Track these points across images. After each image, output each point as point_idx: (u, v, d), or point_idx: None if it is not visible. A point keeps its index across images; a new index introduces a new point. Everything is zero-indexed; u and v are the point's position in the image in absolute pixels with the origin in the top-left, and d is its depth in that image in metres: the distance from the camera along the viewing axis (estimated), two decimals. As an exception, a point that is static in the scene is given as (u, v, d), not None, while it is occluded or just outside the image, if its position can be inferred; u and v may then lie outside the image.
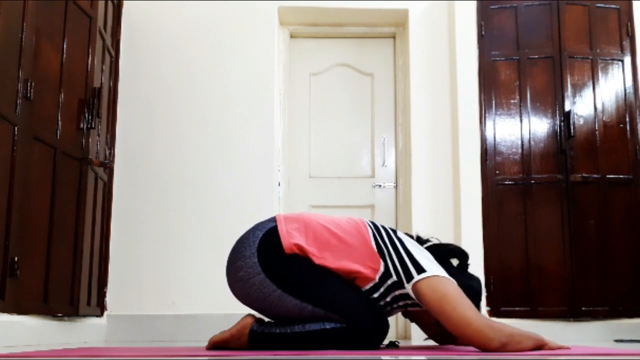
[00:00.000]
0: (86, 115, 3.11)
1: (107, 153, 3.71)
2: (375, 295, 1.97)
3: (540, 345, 1.80)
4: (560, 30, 3.98)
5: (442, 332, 2.13)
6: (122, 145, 3.91)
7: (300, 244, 1.94)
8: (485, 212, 3.84)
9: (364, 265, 1.94)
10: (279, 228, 1.98)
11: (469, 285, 2.03)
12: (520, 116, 3.94)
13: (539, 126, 3.92)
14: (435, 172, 4.01)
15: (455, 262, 2.14)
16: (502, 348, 1.73)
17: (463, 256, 2.14)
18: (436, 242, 2.14)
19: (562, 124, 3.88)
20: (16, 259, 2.44)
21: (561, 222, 3.79)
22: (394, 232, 2.03)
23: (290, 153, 4.26)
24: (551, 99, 3.93)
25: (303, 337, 1.90)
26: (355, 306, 1.93)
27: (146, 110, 3.98)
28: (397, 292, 1.95)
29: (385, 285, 1.95)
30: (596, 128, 3.90)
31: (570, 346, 2.08)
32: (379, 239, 1.98)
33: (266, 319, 2.04)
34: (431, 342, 2.28)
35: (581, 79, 3.95)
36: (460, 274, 2.04)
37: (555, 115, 3.91)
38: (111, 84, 3.79)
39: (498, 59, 4.00)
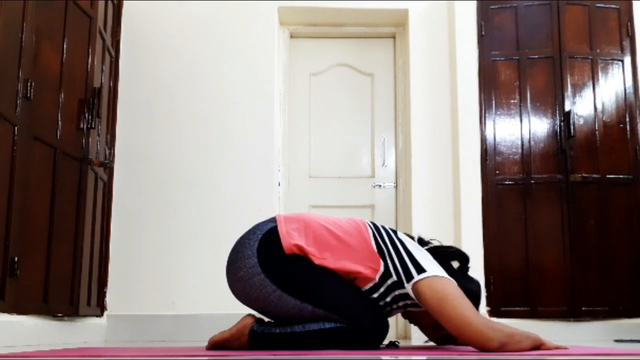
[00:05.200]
0: (86, 115, 3.11)
1: (107, 153, 3.71)
2: (375, 295, 1.97)
3: (538, 345, 1.81)
4: (560, 30, 3.98)
5: (441, 333, 2.13)
6: (122, 145, 3.91)
7: (300, 245, 1.94)
8: (485, 212, 3.84)
9: (364, 266, 1.94)
10: (279, 228, 1.98)
11: (469, 288, 2.03)
12: (520, 116, 3.94)
13: (539, 126, 3.92)
14: (435, 172, 4.01)
15: (455, 264, 2.14)
16: (502, 348, 1.73)
17: (464, 259, 2.14)
18: (437, 244, 2.14)
19: (562, 124, 3.88)
20: (16, 259, 2.44)
21: (561, 222, 3.79)
22: (395, 232, 2.04)
23: (290, 153, 4.27)
24: (551, 99, 3.93)
25: (303, 337, 1.90)
26: (355, 306, 1.93)
27: (146, 110, 3.98)
28: (397, 292, 1.95)
29: (385, 285, 1.95)
30: (596, 128, 3.90)
31: (570, 346, 2.08)
32: (379, 239, 1.98)
33: (266, 319, 2.04)
34: (431, 344, 2.28)
35: (581, 79, 3.95)
36: (460, 276, 2.04)
37: (555, 115, 3.91)
38: (111, 84, 3.79)
39: (498, 59, 4.00)
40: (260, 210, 3.82)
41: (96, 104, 3.19)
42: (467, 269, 2.15)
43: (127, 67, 3.99)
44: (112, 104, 3.82)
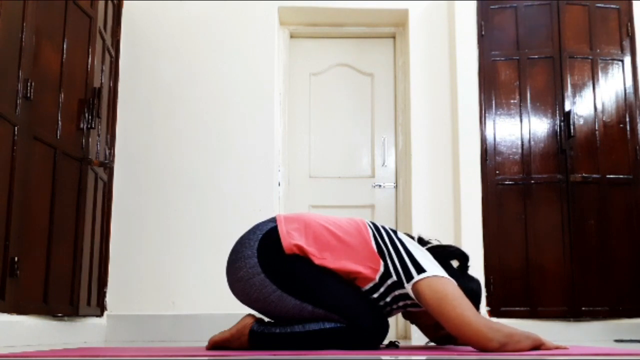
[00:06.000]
0: (86, 115, 3.11)
1: (107, 153, 3.71)
2: (375, 295, 1.97)
3: (538, 345, 1.81)
4: (560, 30, 3.98)
5: (442, 333, 2.13)
6: (122, 145, 3.91)
7: (300, 245, 1.94)
8: (485, 212, 3.84)
9: (364, 266, 1.94)
10: (279, 228, 1.98)
11: (469, 287, 2.03)
12: (520, 116, 3.94)
13: (539, 126, 3.92)
14: (435, 172, 4.01)
15: (455, 263, 2.14)
16: (501, 348, 1.73)
17: (463, 258, 2.14)
18: (436, 243, 2.14)
19: (562, 124, 3.88)
20: (16, 259, 2.44)
21: (561, 222, 3.79)
22: (395, 232, 2.04)
23: (290, 153, 4.27)
24: (551, 99, 3.93)
25: (303, 337, 1.90)
26: (355, 306, 1.93)
27: (146, 110, 3.99)
28: (397, 292, 1.95)
29: (385, 285, 1.95)
30: (596, 128, 3.90)
31: (570, 346, 2.08)
32: (379, 239, 1.98)
33: (266, 319, 2.04)
34: (432, 344, 2.28)
35: (581, 79, 3.95)
36: (460, 275, 2.04)
37: (555, 115, 3.91)
38: (111, 84, 3.79)
39: (498, 59, 4.00)
40: (260, 210, 3.82)
41: (96, 104, 3.19)
42: (466, 267, 2.15)
43: (127, 67, 3.99)
44: (112, 104, 3.82)
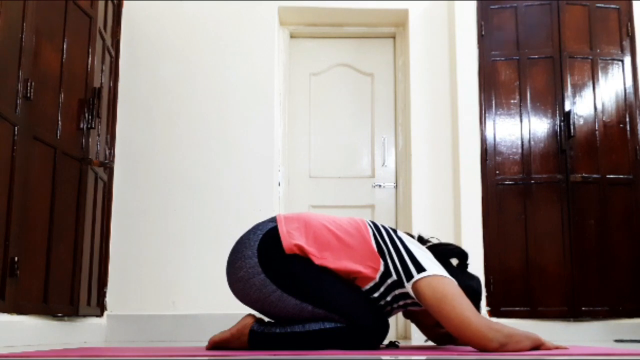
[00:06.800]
0: (86, 115, 3.11)
1: (107, 153, 3.71)
2: (376, 294, 1.97)
3: (538, 345, 1.81)
4: (560, 30, 3.98)
5: (442, 333, 2.13)
6: (122, 145, 3.91)
7: (301, 244, 1.94)
8: (485, 212, 3.84)
9: (364, 265, 1.94)
10: (279, 228, 1.98)
11: (469, 285, 2.03)
12: (520, 116, 3.94)
13: (539, 126, 3.92)
14: (435, 172, 4.01)
15: (455, 261, 2.14)
16: (501, 348, 1.73)
17: (463, 256, 2.14)
18: (436, 242, 2.14)
19: (562, 124, 3.88)
20: (16, 259, 2.44)
21: (561, 222, 3.79)
22: (395, 231, 2.03)
23: (290, 153, 4.27)
24: (551, 99, 3.94)
25: (303, 337, 1.90)
26: (355, 306, 1.93)
27: (146, 110, 3.99)
28: (397, 292, 1.95)
29: (386, 285, 1.95)
30: (596, 128, 3.90)
31: (570, 346, 2.08)
32: (379, 239, 1.98)
33: (266, 319, 2.04)
34: (431, 343, 2.28)
35: (581, 79, 3.95)
36: (460, 273, 2.05)
37: (555, 115, 3.91)
38: (111, 84, 3.79)
39: (498, 59, 4.00)
40: (260, 210, 3.82)
41: (96, 104, 3.19)
42: (466, 266, 2.15)
43: (127, 67, 3.99)
44: (112, 104, 3.82)
